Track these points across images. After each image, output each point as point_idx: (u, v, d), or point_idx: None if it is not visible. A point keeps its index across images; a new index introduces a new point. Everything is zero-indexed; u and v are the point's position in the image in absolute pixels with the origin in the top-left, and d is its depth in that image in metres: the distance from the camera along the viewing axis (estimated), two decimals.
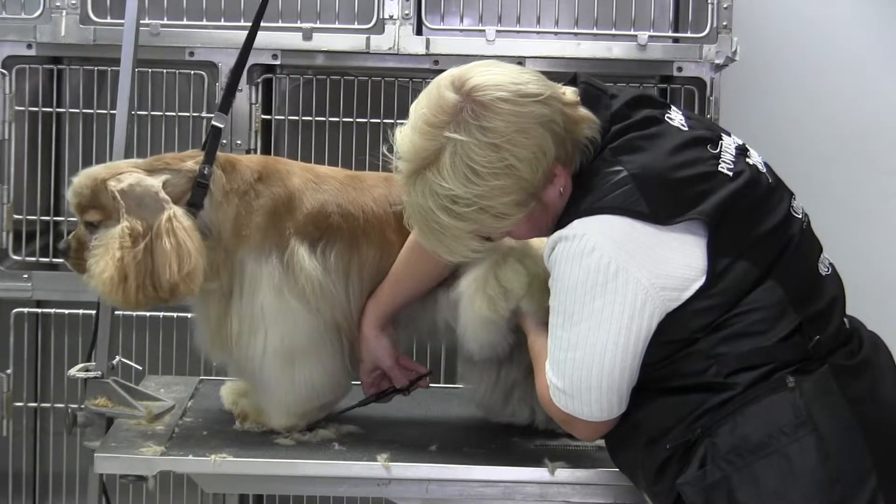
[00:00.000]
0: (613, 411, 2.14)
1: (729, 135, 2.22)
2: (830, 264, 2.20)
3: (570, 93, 2.17)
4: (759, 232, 2.09)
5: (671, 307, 2.06)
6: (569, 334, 2.09)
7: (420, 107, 2.14)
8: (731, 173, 2.11)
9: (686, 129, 2.17)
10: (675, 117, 2.19)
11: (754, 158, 2.19)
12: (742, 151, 2.18)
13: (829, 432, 2.01)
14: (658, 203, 2.06)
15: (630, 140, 2.13)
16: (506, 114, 2.07)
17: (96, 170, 2.46)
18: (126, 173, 2.42)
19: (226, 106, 2.54)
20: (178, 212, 2.38)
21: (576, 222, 2.09)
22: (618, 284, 2.05)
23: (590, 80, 2.22)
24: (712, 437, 2.05)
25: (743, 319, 2.06)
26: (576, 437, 2.36)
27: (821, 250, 2.20)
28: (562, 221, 2.13)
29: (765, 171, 2.18)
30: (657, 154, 2.11)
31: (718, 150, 2.15)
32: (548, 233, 2.19)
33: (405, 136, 2.15)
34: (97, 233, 2.41)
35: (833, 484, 1.99)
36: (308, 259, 2.46)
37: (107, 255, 2.36)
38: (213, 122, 2.50)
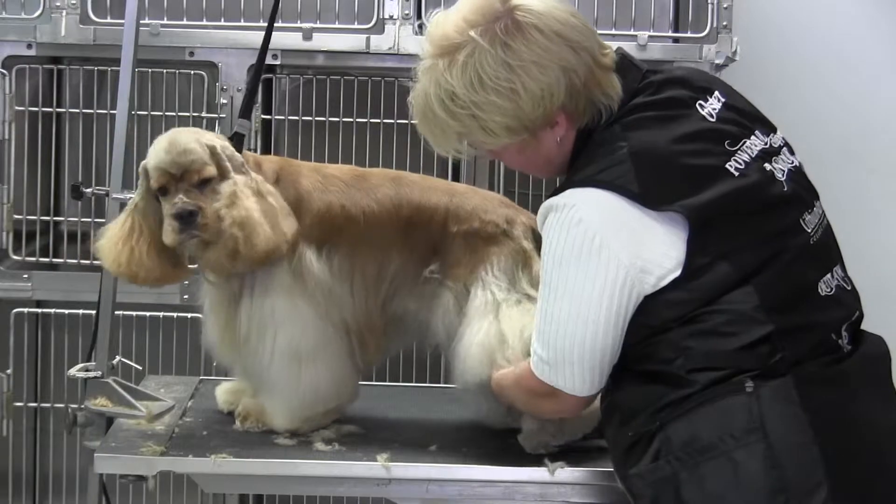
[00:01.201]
0: (595, 386, 2.14)
1: (768, 134, 2.18)
2: (838, 286, 2.15)
3: (610, 57, 2.18)
4: (748, 237, 2.08)
5: (646, 291, 2.07)
6: (552, 308, 2.11)
7: (466, 0, 2.17)
8: (737, 173, 2.10)
9: (712, 119, 2.15)
10: (709, 106, 2.16)
11: (780, 164, 2.15)
12: (767, 154, 2.15)
13: (780, 441, 2.00)
14: (650, 185, 2.06)
15: (643, 118, 2.13)
16: (533, 42, 2.09)
17: (188, 131, 2.48)
18: (213, 135, 2.48)
19: (247, 111, 2.57)
20: (259, 177, 2.45)
21: (569, 191, 2.10)
22: (600, 260, 2.06)
23: (626, 54, 2.23)
24: (667, 431, 2.05)
25: (714, 319, 2.05)
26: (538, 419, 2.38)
27: (829, 269, 2.15)
28: (559, 187, 2.14)
29: (783, 178, 2.14)
30: (665, 137, 2.10)
31: (737, 147, 2.13)
32: (539, 173, 2.26)
33: (439, 19, 2.20)
34: (205, 191, 2.40)
35: (776, 493, 1.98)
36: (315, 263, 2.47)
37: (244, 200, 2.38)
38: (237, 130, 2.55)
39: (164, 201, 2.40)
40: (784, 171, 2.16)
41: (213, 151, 2.42)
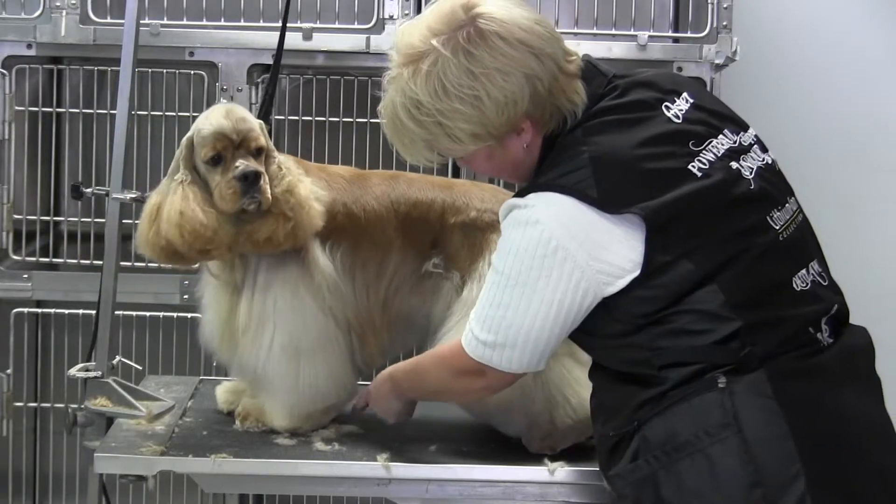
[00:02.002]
0: (532, 367, 2.16)
1: (738, 132, 2.19)
2: (814, 281, 2.15)
3: (575, 64, 2.19)
4: (711, 236, 2.08)
5: (607, 291, 2.08)
6: (503, 294, 2.12)
7: (431, 9, 2.19)
8: (699, 174, 2.11)
9: (678, 121, 2.16)
10: (675, 107, 2.18)
11: (748, 162, 2.16)
12: (735, 153, 2.15)
13: (755, 435, 2.00)
14: (608, 191, 2.07)
15: (605, 122, 2.14)
16: (496, 50, 2.11)
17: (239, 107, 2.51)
18: None
19: (266, 114, 2.62)
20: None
21: (531, 195, 2.12)
22: (556, 260, 2.07)
23: (592, 60, 2.23)
24: (644, 430, 2.06)
25: (682, 318, 2.06)
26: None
27: (804, 265, 2.15)
28: (523, 190, 2.16)
29: (751, 176, 2.15)
30: (626, 141, 2.11)
31: (701, 147, 2.14)
32: (510, 178, 2.28)
33: (405, 28, 2.21)
34: (259, 161, 2.43)
35: (753, 487, 1.98)
36: (322, 256, 2.48)
37: (303, 177, 2.47)
38: None
39: (215, 171, 2.42)
40: (753, 168, 2.17)
41: (260, 126, 2.47)
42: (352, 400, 2.60)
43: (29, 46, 3.39)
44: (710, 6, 3.37)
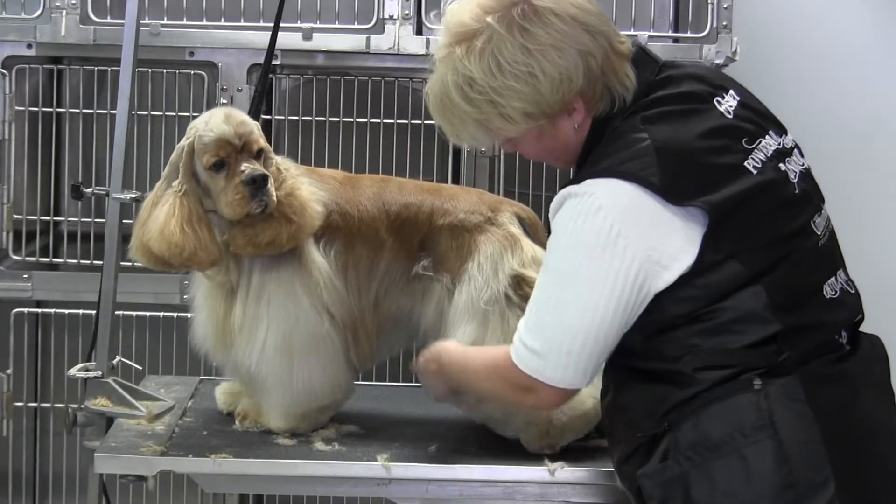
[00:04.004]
0: (587, 378, 2.10)
1: (781, 134, 2.18)
2: (842, 289, 2.15)
3: (626, 46, 2.17)
4: (761, 237, 2.07)
5: (658, 287, 2.05)
6: (560, 293, 2.07)
7: None
8: (755, 171, 2.09)
9: (729, 116, 2.13)
10: (726, 103, 2.15)
11: (792, 165, 2.15)
12: (781, 155, 2.14)
13: (789, 438, 2.00)
14: (672, 179, 2.04)
15: (664, 112, 2.11)
16: (551, 26, 2.09)
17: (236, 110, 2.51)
18: None
19: (256, 114, 2.60)
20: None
21: (588, 181, 2.07)
22: (616, 248, 2.03)
23: (643, 46, 2.22)
24: (676, 431, 2.05)
25: (721, 317, 2.04)
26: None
27: (833, 272, 2.14)
28: (577, 177, 2.12)
29: (796, 180, 2.14)
30: (687, 132, 2.08)
31: (753, 146, 2.11)
32: (556, 162, 2.24)
33: (454, 8, 2.17)
34: (260, 162, 2.43)
35: (786, 489, 1.98)
36: (318, 254, 2.48)
37: (303, 178, 2.47)
38: None
39: (218, 176, 2.41)
40: (796, 172, 2.15)
41: (257, 128, 2.47)
42: (349, 399, 2.60)
43: (29, 46, 3.39)
44: (710, 6, 3.37)
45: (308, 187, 2.47)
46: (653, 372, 2.09)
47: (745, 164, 2.09)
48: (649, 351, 2.09)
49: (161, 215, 2.40)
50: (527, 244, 2.50)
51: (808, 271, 2.10)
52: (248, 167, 2.39)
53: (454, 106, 2.15)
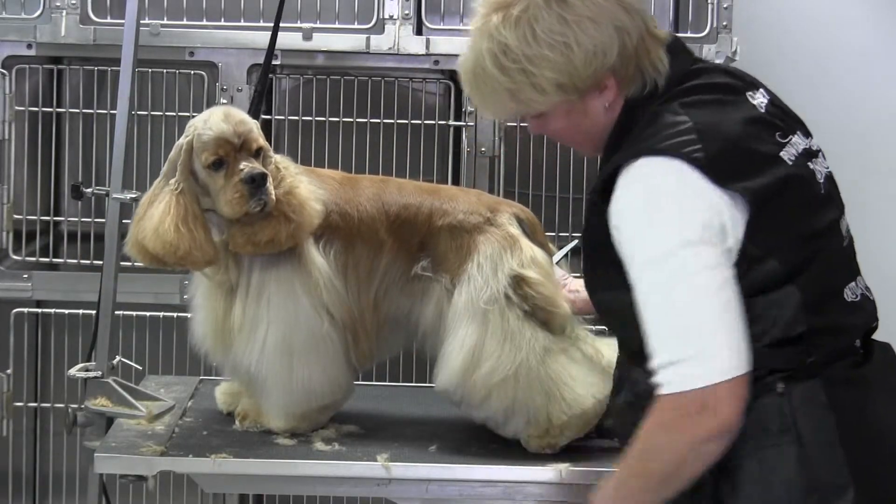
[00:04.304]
0: (744, 355, 1.94)
1: (807, 136, 2.17)
2: (863, 294, 2.12)
3: (662, 32, 2.15)
4: (797, 232, 2.03)
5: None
6: (668, 297, 1.96)
7: None
8: (790, 163, 2.06)
9: (762, 111, 2.11)
10: (757, 99, 2.13)
11: (818, 167, 2.13)
12: (809, 155, 2.13)
13: (811, 442, 1.98)
14: (716, 159, 1.99)
15: (702, 100, 2.08)
16: None
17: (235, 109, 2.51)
18: None
19: (256, 113, 2.59)
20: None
21: (641, 160, 2.01)
22: (683, 220, 1.96)
23: (680, 38, 2.19)
24: None
25: (751, 312, 1.99)
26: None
27: (854, 277, 2.12)
28: (614, 160, 2.06)
29: (822, 181, 2.12)
30: (726, 118, 2.05)
31: (786, 141, 2.09)
32: (582, 145, 2.17)
33: None
34: (260, 161, 2.43)
35: (810, 493, 1.96)
36: (317, 254, 2.48)
37: (302, 177, 2.47)
38: None
39: (218, 175, 2.41)
40: (822, 173, 2.14)
41: (256, 126, 2.47)
42: (348, 399, 2.60)
43: (29, 46, 3.39)
44: (710, 6, 3.37)
45: (307, 186, 2.47)
46: None
47: (781, 154, 2.06)
48: None
49: (157, 213, 2.40)
50: (526, 244, 2.50)
51: (834, 272, 2.08)
52: (247, 166, 2.39)
53: (487, 76, 2.12)
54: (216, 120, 2.42)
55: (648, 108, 2.09)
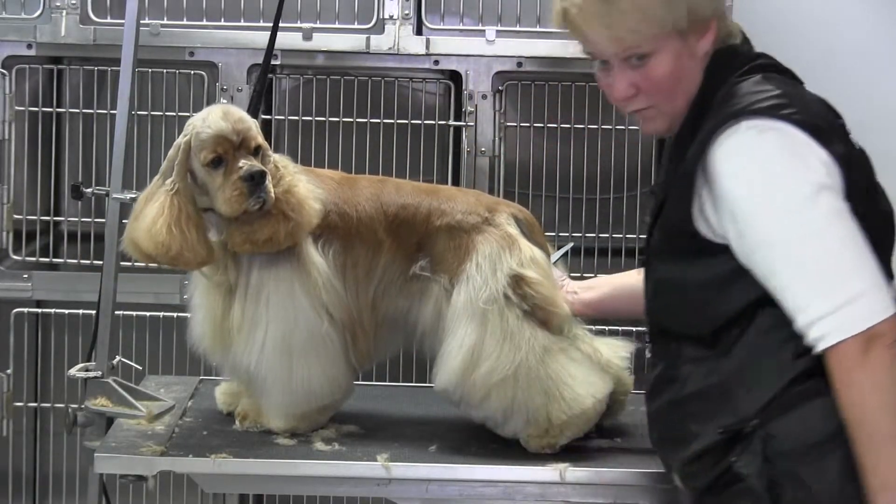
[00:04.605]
0: (890, 296, 1.94)
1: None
2: None
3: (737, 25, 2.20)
4: (866, 210, 2.01)
5: None
6: (807, 225, 1.95)
7: None
8: (855, 144, 2.08)
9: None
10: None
11: None
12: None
13: None
14: (810, 123, 2.00)
15: (779, 77, 2.11)
16: None
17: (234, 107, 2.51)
18: None
19: (255, 113, 2.59)
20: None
21: (743, 122, 2.00)
22: (809, 168, 1.96)
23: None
24: (769, 428, 1.99)
25: None
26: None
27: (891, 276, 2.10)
28: (712, 124, 2.04)
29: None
30: (805, 92, 2.09)
31: (844, 123, 2.13)
32: (671, 96, 2.12)
33: None
34: (258, 159, 2.43)
35: None
36: (317, 254, 2.48)
37: (301, 176, 2.46)
38: None
39: (216, 173, 2.40)
40: None
41: (255, 125, 2.47)
42: (348, 399, 2.60)
43: (29, 46, 3.39)
44: None
45: (306, 185, 2.47)
46: (749, 350, 2.02)
47: (849, 133, 2.08)
48: (742, 326, 2.02)
49: (150, 213, 2.41)
50: (524, 244, 2.50)
51: (889, 260, 2.06)
52: (246, 164, 2.39)
53: None
54: (215, 118, 2.42)
55: (728, 79, 2.10)
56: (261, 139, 2.44)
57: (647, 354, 2.26)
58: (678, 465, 2.15)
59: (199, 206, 2.44)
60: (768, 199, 1.98)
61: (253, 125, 2.45)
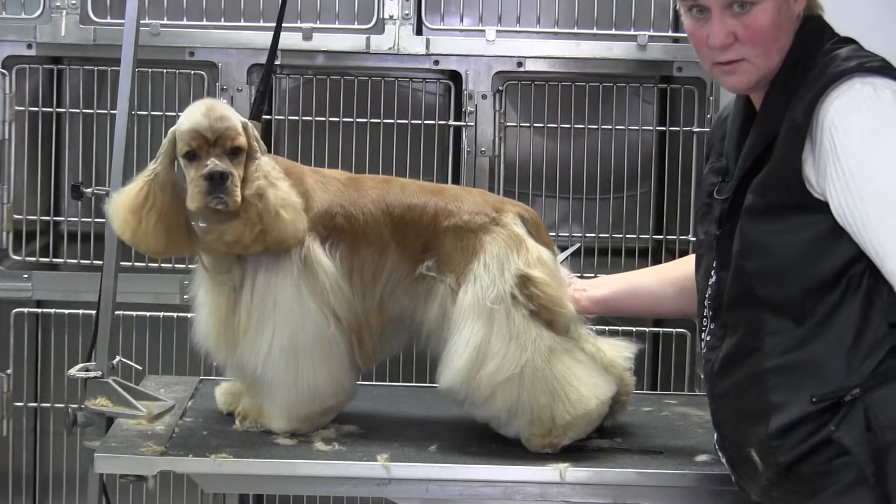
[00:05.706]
0: None
1: None
2: None
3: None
4: None
5: None
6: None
7: None
8: None
9: None
10: None
11: None
12: None
13: None
14: None
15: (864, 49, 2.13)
16: None
17: (224, 102, 2.51)
18: None
19: (257, 114, 2.59)
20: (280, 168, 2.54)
21: (856, 78, 2.02)
22: None
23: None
24: (867, 400, 1.97)
25: None
26: None
27: None
28: (826, 80, 2.05)
29: None
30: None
31: None
32: (767, 52, 2.12)
33: None
34: (234, 161, 2.42)
35: None
36: (324, 257, 2.48)
37: (280, 181, 2.44)
38: None
39: (191, 166, 2.41)
40: None
41: (244, 126, 2.46)
42: (351, 401, 2.60)
43: (29, 46, 3.39)
44: None
45: (282, 192, 2.44)
46: (845, 322, 2.01)
47: None
48: (839, 290, 2.01)
49: (121, 195, 2.44)
50: (531, 244, 2.50)
51: None
52: (212, 162, 2.39)
53: None
54: (196, 112, 2.42)
55: (824, 45, 2.12)
56: (242, 140, 2.43)
57: (705, 336, 2.21)
58: (757, 440, 2.08)
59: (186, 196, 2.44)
60: (882, 150, 1.98)
61: (236, 125, 2.43)
